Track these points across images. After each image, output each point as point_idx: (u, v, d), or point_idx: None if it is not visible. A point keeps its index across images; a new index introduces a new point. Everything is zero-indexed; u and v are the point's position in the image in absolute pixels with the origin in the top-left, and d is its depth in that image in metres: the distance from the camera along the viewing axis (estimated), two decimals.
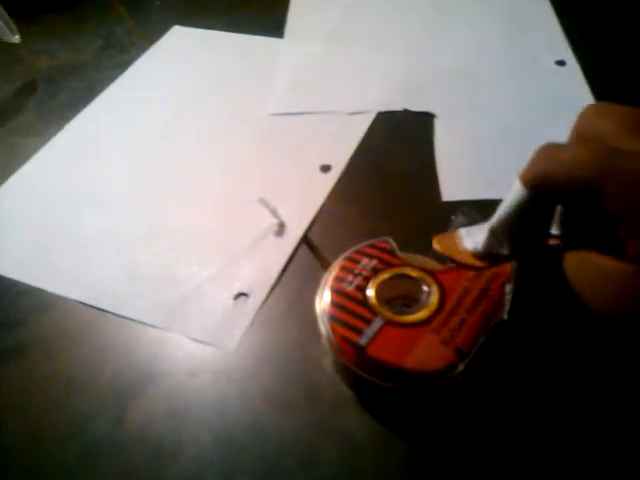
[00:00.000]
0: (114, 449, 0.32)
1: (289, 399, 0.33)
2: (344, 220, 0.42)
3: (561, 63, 0.55)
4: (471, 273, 0.31)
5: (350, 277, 0.32)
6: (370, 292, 0.32)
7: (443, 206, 0.42)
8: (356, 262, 0.33)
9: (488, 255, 0.28)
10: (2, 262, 0.42)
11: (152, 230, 0.43)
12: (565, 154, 0.21)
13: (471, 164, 0.46)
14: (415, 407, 0.31)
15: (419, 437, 0.31)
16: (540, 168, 0.22)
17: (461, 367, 0.28)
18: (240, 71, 0.59)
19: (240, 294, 0.38)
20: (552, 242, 0.25)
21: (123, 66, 0.61)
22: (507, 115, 0.51)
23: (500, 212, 0.25)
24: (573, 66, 0.55)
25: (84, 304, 0.38)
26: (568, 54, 0.56)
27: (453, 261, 0.31)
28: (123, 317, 0.38)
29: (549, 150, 0.22)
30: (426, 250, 0.33)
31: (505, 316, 0.30)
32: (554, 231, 0.25)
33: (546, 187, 0.22)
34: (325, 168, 0.47)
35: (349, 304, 0.31)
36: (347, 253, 0.34)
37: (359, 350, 0.29)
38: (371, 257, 0.33)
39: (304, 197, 0.44)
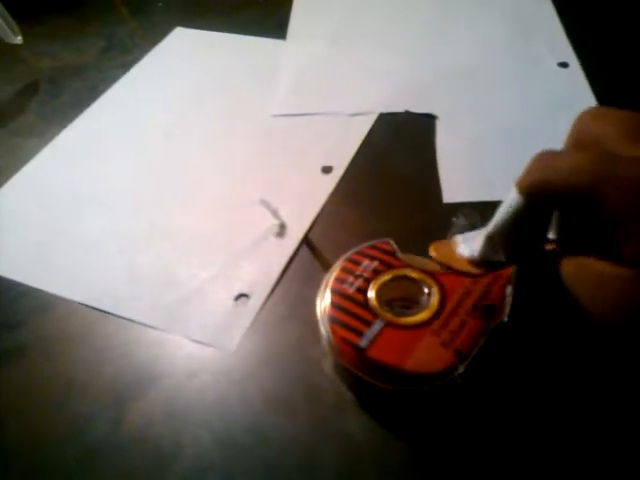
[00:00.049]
0: (114, 450, 0.32)
1: (289, 400, 0.33)
2: (345, 221, 0.42)
3: (563, 65, 0.55)
4: None
5: (351, 278, 0.32)
6: (371, 294, 0.31)
7: (444, 208, 0.42)
8: (357, 263, 0.33)
9: (485, 262, 0.28)
10: (2, 263, 0.42)
11: (153, 231, 0.43)
12: (562, 161, 0.21)
13: (472, 166, 0.46)
14: (415, 409, 0.31)
15: (419, 439, 0.31)
16: (536, 175, 0.22)
17: (461, 369, 0.28)
18: (242, 72, 0.59)
19: (240, 295, 0.38)
20: (549, 247, 0.25)
21: (125, 67, 0.61)
22: (509, 117, 0.50)
23: (497, 219, 0.25)
24: (575, 68, 0.55)
25: (84, 305, 0.38)
26: (570, 56, 0.56)
27: (450, 268, 0.31)
28: (123, 318, 0.38)
29: (545, 157, 0.22)
30: (427, 252, 0.33)
31: (505, 318, 0.30)
32: (551, 236, 0.25)
33: (543, 194, 0.22)
34: (326, 169, 0.47)
35: (350, 306, 0.31)
36: (348, 254, 0.34)
37: (359, 352, 0.29)
38: (372, 258, 0.33)
39: (305, 198, 0.44)
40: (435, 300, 0.31)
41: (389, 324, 0.30)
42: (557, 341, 0.33)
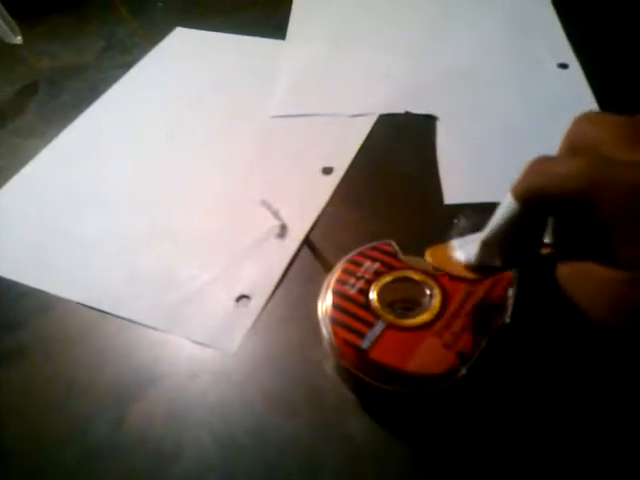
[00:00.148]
0: (114, 451, 0.32)
1: (290, 401, 0.33)
2: (346, 222, 0.42)
3: (563, 66, 0.55)
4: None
5: (352, 280, 0.32)
6: (372, 295, 0.32)
7: (445, 209, 0.42)
8: (358, 265, 0.33)
9: (481, 267, 0.28)
10: (3, 263, 0.42)
11: (153, 231, 0.43)
12: (557, 166, 0.21)
13: (473, 167, 0.46)
14: (417, 411, 0.31)
15: (420, 441, 0.31)
16: (532, 181, 0.22)
17: (463, 371, 0.28)
18: (242, 73, 0.59)
19: (241, 296, 0.38)
20: (545, 251, 0.25)
21: (125, 67, 0.61)
22: (509, 118, 0.51)
23: (492, 225, 0.25)
24: (575, 69, 0.55)
25: (84, 305, 0.38)
26: (570, 57, 0.56)
27: (446, 273, 0.31)
28: (124, 319, 0.37)
29: (540, 163, 0.22)
30: None
31: (507, 320, 0.30)
32: (546, 240, 0.25)
33: (538, 200, 0.22)
34: (327, 170, 0.47)
35: (351, 307, 0.31)
36: (349, 256, 0.34)
37: (361, 353, 0.29)
38: (374, 260, 0.33)
39: (306, 199, 0.44)
40: (437, 302, 0.31)
41: (391, 326, 0.30)
42: (559, 342, 0.33)
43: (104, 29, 0.68)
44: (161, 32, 0.66)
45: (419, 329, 0.30)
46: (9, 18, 0.59)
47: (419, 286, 0.32)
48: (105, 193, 0.47)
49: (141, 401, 0.33)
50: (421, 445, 0.30)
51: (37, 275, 0.41)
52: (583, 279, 0.21)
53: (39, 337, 0.37)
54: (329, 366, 0.34)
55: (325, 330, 0.31)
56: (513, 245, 0.25)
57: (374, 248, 0.34)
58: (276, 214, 0.42)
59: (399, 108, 0.52)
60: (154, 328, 0.37)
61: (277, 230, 0.41)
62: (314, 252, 0.40)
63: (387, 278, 0.32)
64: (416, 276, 0.32)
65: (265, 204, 0.41)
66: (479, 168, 0.46)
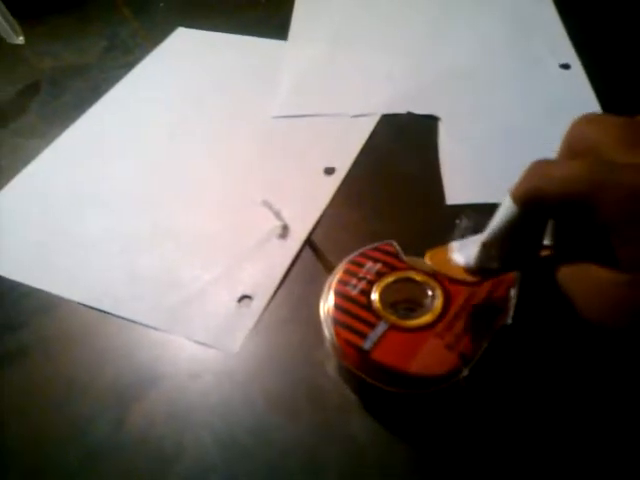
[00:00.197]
0: (115, 451, 0.32)
1: (292, 402, 0.33)
2: (348, 223, 0.42)
3: (565, 66, 0.55)
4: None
5: (354, 281, 0.32)
6: (374, 296, 0.31)
7: (447, 209, 0.42)
8: (360, 265, 0.33)
9: (481, 270, 0.28)
10: (4, 264, 0.42)
11: (156, 231, 0.43)
12: (556, 169, 0.21)
13: (475, 167, 0.46)
14: (419, 412, 0.31)
15: (423, 442, 0.30)
16: (531, 184, 0.22)
17: (465, 372, 0.28)
18: (244, 73, 0.59)
19: (243, 297, 0.38)
20: (544, 253, 0.25)
21: (127, 67, 0.61)
22: (511, 119, 0.50)
23: (492, 228, 0.25)
24: (577, 69, 0.55)
25: (86, 306, 0.38)
26: (572, 57, 0.56)
27: (445, 276, 0.31)
28: (125, 319, 0.37)
29: (540, 166, 0.22)
30: None
31: (509, 321, 0.30)
32: (546, 241, 0.25)
33: (538, 203, 0.22)
34: (329, 171, 0.47)
35: (353, 308, 0.31)
36: (351, 256, 0.34)
37: (363, 354, 0.29)
38: (375, 260, 0.33)
39: (308, 200, 0.44)
40: (439, 302, 0.31)
41: (393, 326, 0.30)
42: (561, 344, 0.33)
43: (106, 29, 0.68)
44: (163, 32, 0.66)
45: (421, 330, 0.30)
46: (11, 18, 0.59)
47: (421, 287, 0.32)
48: (107, 193, 0.47)
49: (142, 401, 0.33)
50: (423, 446, 0.30)
51: (39, 275, 0.41)
52: (582, 280, 0.21)
53: (41, 337, 0.37)
54: (331, 367, 0.34)
55: (327, 331, 0.31)
56: (512, 248, 0.25)
57: (376, 249, 0.34)
58: (278, 214, 0.41)
59: (401, 108, 0.52)
60: (155, 328, 0.37)
61: (279, 230, 0.41)
62: (316, 253, 0.40)
63: (389, 279, 0.32)
64: (418, 277, 0.32)
65: (267, 204, 0.41)
66: (481, 168, 0.46)
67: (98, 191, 0.47)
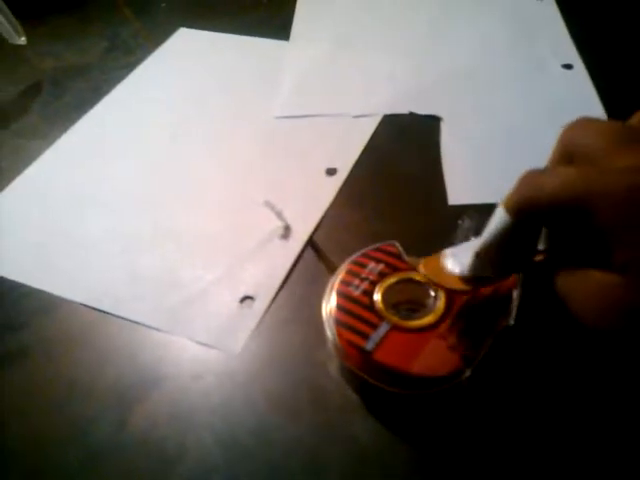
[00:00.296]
0: (117, 452, 0.31)
1: (294, 403, 0.33)
2: (350, 223, 0.42)
3: (568, 67, 0.55)
4: None
5: (357, 281, 0.32)
6: (377, 296, 0.31)
7: (449, 210, 0.42)
8: (363, 266, 0.33)
9: (474, 278, 0.28)
10: (5, 264, 0.42)
11: (157, 232, 0.43)
12: (549, 178, 0.21)
13: (478, 168, 0.46)
14: (421, 412, 0.31)
15: (425, 442, 0.30)
16: (523, 194, 0.22)
17: (467, 373, 0.28)
18: (246, 73, 0.59)
19: (245, 297, 0.38)
20: (538, 257, 0.25)
21: (129, 68, 0.61)
22: (514, 119, 0.50)
23: (485, 237, 0.25)
24: (580, 70, 0.54)
25: (87, 306, 0.38)
26: (575, 58, 0.56)
27: (439, 285, 0.31)
28: (126, 319, 0.37)
29: (532, 176, 0.22)
30: (432, 254, 0.32)
31: (512, 322, 0.30)
32: (540, 246, 0.25)
33: (531, 212, 0.22)
34: (330, 171, 0.46)
35: (355, 308, 0.31)
36: (354, 257, 0.34)
37: (365, 355, 0.29)
38: (378, 261, 0.33)
39: (309, 200, 0.44)
40: (441, 303, 0.31)
41: (395, 327, 0.30)
42: (563, 345, 0.33)
43: (107, 30, 0.68)
44: (164, 33, 0.66)
45: (423, 331, 0.30)
46: (13, 19, 0.59)
47: (423, 287, 0.32)
48: (108, 194, 0.47)
49: (144, 402, 0.33)
50: (425, 447, 0.30)
51: (40, 276, 0.41)
52: (577, 284, 0.21)
53: (41, 338, 0.37)
54: (333, 367, 0.34)
55: (329, 331, 0.31)
56: (507, 256, 0.25)
57: (378, 249, 0.34)
58: (280, 215, 0.41)
59: (403, 109, 0.52)
60: (157, 329, 0.37)
61: (281, 231, 0.41)
62: (318, 253, 0.40)
63: (391, 279, 0.32)
64: (420, 277, 0.32)
65: (269, 205, 0.41)
66: (483, 169, 0.46)
67: (99, 191, 0.47)
